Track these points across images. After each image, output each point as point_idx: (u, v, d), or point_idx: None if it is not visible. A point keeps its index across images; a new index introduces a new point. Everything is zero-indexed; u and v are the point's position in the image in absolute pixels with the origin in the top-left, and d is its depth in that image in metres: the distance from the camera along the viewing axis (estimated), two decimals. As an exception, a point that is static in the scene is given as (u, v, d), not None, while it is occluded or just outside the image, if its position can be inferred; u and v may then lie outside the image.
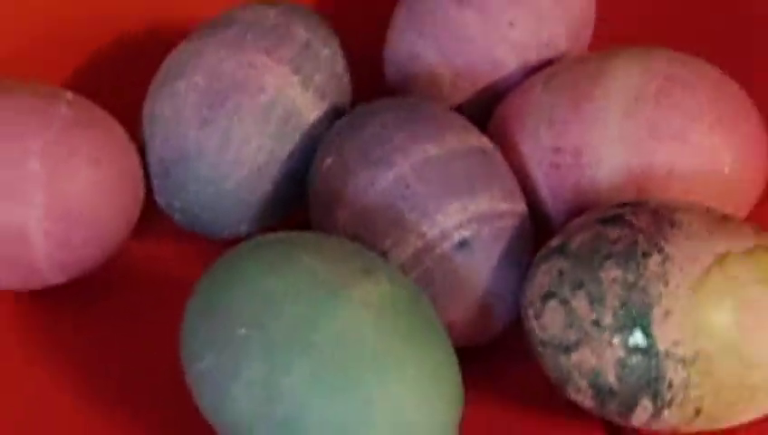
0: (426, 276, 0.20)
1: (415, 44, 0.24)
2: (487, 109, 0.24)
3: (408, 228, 0.20)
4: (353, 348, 0.17)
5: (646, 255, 0.19)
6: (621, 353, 0.18)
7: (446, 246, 0.20)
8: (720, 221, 0.20)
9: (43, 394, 0.21)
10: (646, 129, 0.21)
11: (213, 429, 0.18)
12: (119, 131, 0.22)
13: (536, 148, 0.22)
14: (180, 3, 0.26)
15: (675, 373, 0.18)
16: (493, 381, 0.21)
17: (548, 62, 0.24)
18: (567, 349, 0.19)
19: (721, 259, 0.19)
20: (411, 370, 0.17)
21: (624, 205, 0.20)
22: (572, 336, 0.19)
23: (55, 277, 0.22)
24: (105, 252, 0.22)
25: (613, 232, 0.19)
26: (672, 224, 0.19)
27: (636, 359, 0.18)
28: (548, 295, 0.19)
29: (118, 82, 0.26)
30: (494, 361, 0.21)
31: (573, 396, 0.19)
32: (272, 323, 0.18)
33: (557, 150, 0.22)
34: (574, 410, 0.20)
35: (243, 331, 0.18)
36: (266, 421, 0.17)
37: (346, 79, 0.24)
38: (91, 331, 0.23)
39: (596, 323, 0.18)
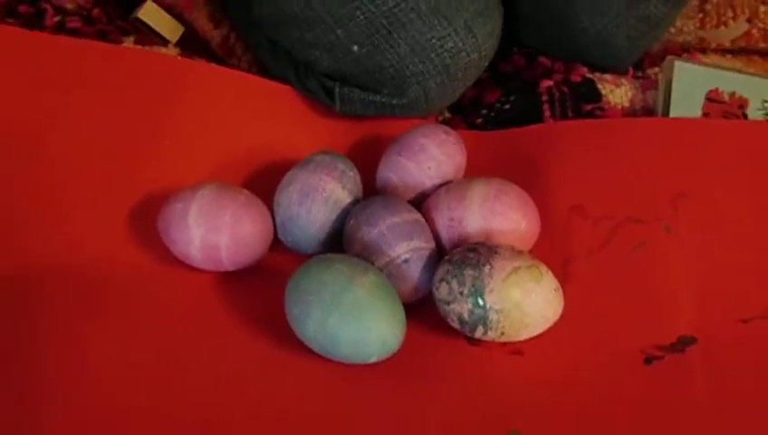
0: (389, 274, 0.45)
1: (389, 172, 0.50)
2: (417, 203, 0.49)
3: (383, 253, 0.45)
4: (358, 305, 0.41)
5: (483, 264, 0.43)
6: (470, 307, 0.43)
7: (399, 261, 0.45)
8: (517, 252, 0.45)
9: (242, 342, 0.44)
10: (489, 210, 0.47)
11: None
12: (263, 206, 0.47)
13: (441, 218, 0.47)
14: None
15: (493, 317, 0.43)
16: (415, 318, 0.44)
17: (444, 183, 0.50)
18: (447, 303, 0.44)
19: (516, 269, 0.44)
20: (384, 312, 0.43)
21: (476, 243, 0.45)
22: (450, 298, 0.44)
23: (233, 267, 0.47)
24: (258, 256, 0.47)
25: (470, 254, 0.44)
26: (496, 252, 0.44)
27: (477, 310, 0.43)
28: (441, 280, 0.43)
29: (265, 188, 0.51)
30: (417, 309, 0.45)
31: (450, 323, 0.44)
32: (322, 293, 0.42)
33: (451, 219, 0.47)
34: (450, 330, 0.44)
35: (310, 297, 0.43)
36: (320, 336, 0.42)
37: (359, 184, 0.50)
38: (249, 290, 0.47)
39: (460, 293, 0.43)
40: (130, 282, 0.46)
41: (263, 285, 0.47)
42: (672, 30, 0.68)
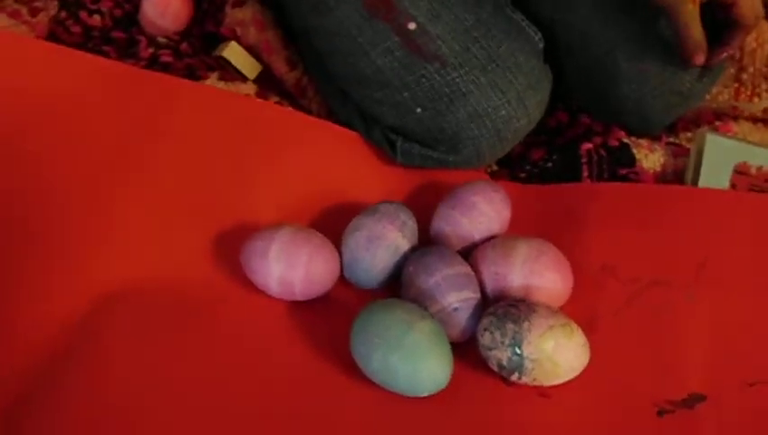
0: (441, 320, 0.51)
1: (444, 224, 0.57)
2: (466, 253, 0.56)
3: (437, 301, 0.51)
4: (416, 347, 0.47)
5: (523, 320, 0.49)
6: (509, 355, 0.49)
7: (450, 309, 0.51)
8: (553, 312, 0.51)
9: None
10: (529, 269, 0.53)
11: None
12: (333, 248, 0.54)
13: (488, 271, 0.53)
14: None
15: (528, 365, 0.49)
16: (460, 357, 0.50)
17: (491, 236, 0.56)
18: (490, 349, 0.50)
19: (551, 327, 0.50)
20: (437, 355, 0.49)
21: (518, 301, 0.51)
22: (492, 345, 0.50)
23: (304, 298, 0.53)
24: (326, 290, 0.53)
25: (512, 309, 0.50)
26: (534, 311, 0.50)
27: (514, 358, 0.49)
28: (485, 329, 0.50)
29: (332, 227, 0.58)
30: (463, 349, 0.51)
31: (490, 366, 0.50)
32: (386, 335, 0.49)
33: (496, 274, 0.54)
34: (489, 371, 0.50)
35: (376, 339, 0.49)
36: (383, 372, 0.49)
37: (416, 232, 0.56)
38: (317, 319, 0.54)
39: (501, 342, 0.49)
40: (215, 304, 0.53)
41: (329, 314, 0.54)
42: (707, 97, 0.73)
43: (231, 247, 0.55)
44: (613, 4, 0.63)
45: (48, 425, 0.45)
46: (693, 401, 0.50)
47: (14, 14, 0.79)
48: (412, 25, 0.59)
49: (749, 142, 0.66)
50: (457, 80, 0.58)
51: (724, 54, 0.61)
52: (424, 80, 0.58)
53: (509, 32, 0.61)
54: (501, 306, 0.50)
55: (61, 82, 0.65)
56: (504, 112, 0.59)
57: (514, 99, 0.59)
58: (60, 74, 0.66)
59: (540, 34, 0.63)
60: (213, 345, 0.51)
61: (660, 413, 0.49)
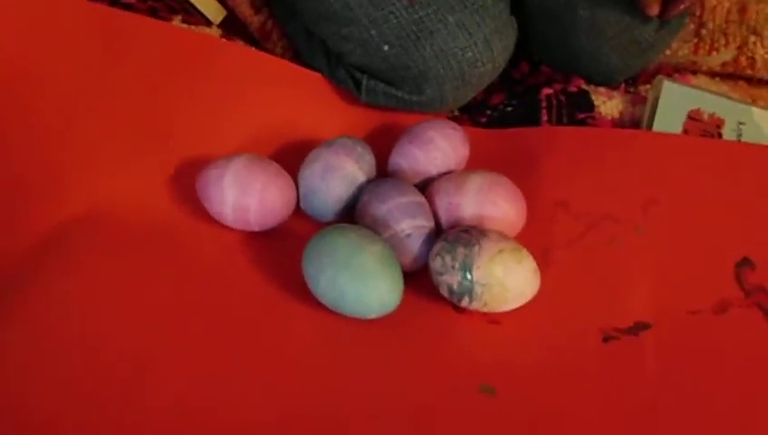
0: (393, 246, 0.52)
1: (400, 159, 0.57)
2: (422, 187, 0.57)
3: (389, 227, 0.52)
4: (364, 268, 0.48)
5: (473, 244, 0.50)
6: (459, 279, 0.50)
7: (402, 235, 0.52)
8: (503, 237, 0.52)
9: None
10: (482, 199, 0.54)
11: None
12: (289, 177, 0.54)
13: (441, 202, 0.54)
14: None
15: (477, 290, 0.50)
16: (412, 285, 0.51)
17: (447, 172, 0.57)
18: (440, 274, 0.51)
19: (501, 250, 0.51)
20: (386, 278, 0.50)
21: (469, 226, 0.52)
22: (443, 270, 0.51)
23: (259, 228, 0.54)
24: (281, 220, 0.54)
25: (463, 234, 0.51)
26: (485, 235, 0.51)
27: (464, 283, 0.50)
28: (437, 254, 0.51)
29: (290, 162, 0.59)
30: (415, 278, 0.52)
31: (441, 292, 0.51)
32: (335, 256, 0.49)
33: (450, 203, 0.54)
34: (440, 298, 0.51)
35: (325, 258, 0.50)
36: (330, 292, 0.50)
37: (373, 166, 0.57)
38: (271, 248, 0.54)
39: (452, 266, 0.50)
40: (168, 231, 0.54)
41: (283, 245, 0.54)
42: (668, 52, 0.74)
43: (189, 178, 0.55)
44: None
45: (12, 337, 0.45)
46: (638, 328, 0.51)
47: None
48: None
49: (704, 90, 0.67)
50: (425, 18, 0.58)
51: (681, 7, 0.62)
52: (392, 17, 0.58)
53: None
54: (453, 232, 0.51)
55: (32, 21, 0.65)
56: (470, 54, 0.59)
57: (481, 41, 0.59)
58: (32, 12, 0.65)
59: None
60: (168, 271, 0.51)
61: (606, 339, 0.50)
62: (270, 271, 0.52)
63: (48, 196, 0.54)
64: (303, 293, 0.50)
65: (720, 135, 0.63)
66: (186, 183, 0.56)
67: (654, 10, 0.61)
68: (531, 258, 0.50)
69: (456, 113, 0.68)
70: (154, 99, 0.61)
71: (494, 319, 0.51)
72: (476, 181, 0.54)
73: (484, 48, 0.59)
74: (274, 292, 0.51)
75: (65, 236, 0.52)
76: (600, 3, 0.64)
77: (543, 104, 0.66)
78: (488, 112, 0.67)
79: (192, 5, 0.71)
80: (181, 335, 0.47)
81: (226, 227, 0.54)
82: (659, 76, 0.67)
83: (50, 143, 0.57)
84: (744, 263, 0.54)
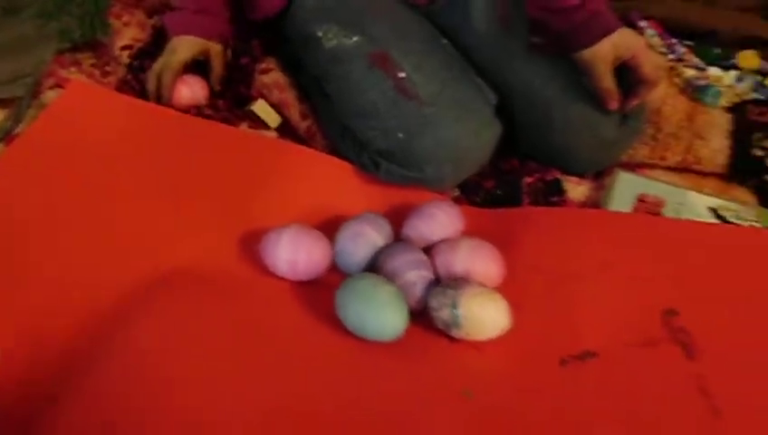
0: (403, 291, 0.69)
1: (409, 230, 0.76)
2: (426, 250, 0.75)
3: (400, 277, 0.69)
4: (382, 301, 0.65)
5: (460, 288, 0.67)
6: (449, 314, 0.68)
7: (409, 283, 0.70)
8: (482, 285, 0.70)
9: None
10: (469, 258, 0.72)
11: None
12: (327, 241, 0.74)
13: (439, 259, 0.72)
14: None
15: (462, 322, 0.67)
16: (416, 321, 0.69)
17: (445, 239, 0.76)
18: (436, 311, 0.68)
19: (479, 293, 0.68)
20: (396, 311, 0.67)
21: (459, 277, 0.70)
22: (438, 307, 0.67)
23: (305, 278, 0.73)
24: (322, 272, 0.72)
25: (453, 282, 0.68)
26: (468, 283, 0.68)
27: (452, 316, 0.67)
28: (434, 296, 0.67)
29: (329, 230, 0.79)
30: (419, 317, 0.70)
31: (437, 325, 0.68)
32: (360, 294, 0.67)
33: (444, 260, 0.72)
34: (437, 331, 0.69)
35: (353, 297, 0.68)
36: (356, 321, 0.68)
37: (391, 233, 0.75)
38: (316, 293, 0.73)
39: (444, 304, 0.67)
40: (237, 281, 0.73)
41: (322, 289, 0.73)
42: (631, 152, 0.93)
43: (249, 244, 0.75)
44: (548, 72, 0.84)
45: (87, 402, 0.57)
46: (586, 356, 0.68)
47: (90, 75, 1.02)
48: (402, 74, 0.80)
49: (651, 178, 0.86)
50: (429, 115, 0.78)
51: (635, 102, 0.81)
52: (405, 113, 0.79)
53: (470, 86, 0.82)
54: (446, 280, 0.69)
55: (129, 124, 0.87)
56: (462, 143, 0.79)
57: (472, 133, 0.79)
58: (128, 118, 0.88)
59: (493, 94, 0.85)
60: (235, 309, 0.70)
61: (562, 363, 0.67)
62: (312, 309, 0.71)
63: (126, 265, 0.71)
64: (336, 323, 0.68)
65: (660, 213, 0.81)
66: (245, 248, 0.75)
67: (613, 105, 0.80)
68: (503, 300, 0.68)
69: (457, 193, 0.87)
70: (229, 185, 0.81)
71: (476, 346, 0.68)
72: (466, 245, 0.72)
73: (474, 138, 0.79)
74: (314, 323, 0.69)
75: (156, 290, 0.71)
76: (570, 106, 0.83)
77: (525, 190, 0.85)
78: (482, 194, 0.87)
79: (255, 114, 0.93)
80: (244, 361, 0.65)
81: (280, 278, 0.73)
82: (616, 168, 0.86)
83: (130, 221, 0.76)
84: (670, 312, 0.70)
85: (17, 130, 0.95)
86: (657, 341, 0.68)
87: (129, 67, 1.06)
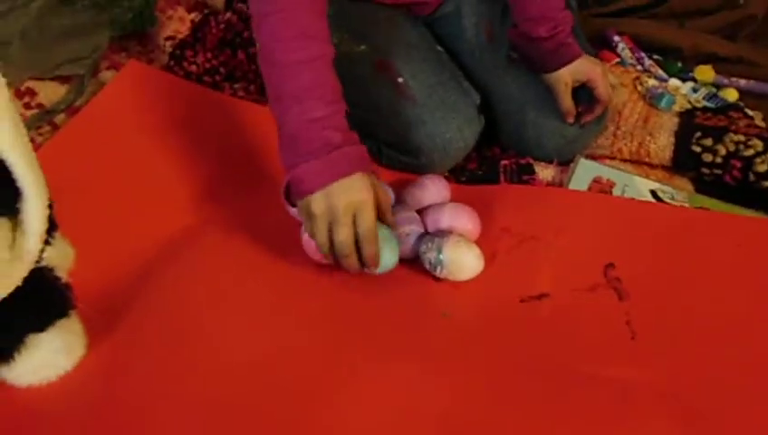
0: (399, 240, 0.87)
1: (406, 196, 0.95)
2: (419, 211, 0.94)
3: (397, 229, 0.89)
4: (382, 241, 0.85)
5: (444, 237, 0.85)
6: (435, 256, 0.85)
7: (404, 234, 0.88)
8: (462, 236, 0.88)
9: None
10: (452, 217, 0.90)
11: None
12: None
13: (428, 218, 0.90)
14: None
15: (445, 262, 0.86)
16: (407, 264, 0.88)
17: (434, 204, 0.94)
18: (424, 253, 0.86)
19: (458, 241, 0.87)
20: (393, 247, 0.85)
21: (443, 230, 0.89)
22: (426, 251, 0.87)
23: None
24: None
25: (439, 232, 0.87)
26: (451, 233, 0.86)
27: (437, 258, 0.86)
28: (423, 242, 0.86)
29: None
30: (410, 261, 0.89)
31: (424, 265, 0.86)
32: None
33: (433, 219, 0.91)
34: (425, 271, 0.87)
35: None
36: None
37: (392, 198, 0.94)
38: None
39: (430, 248, 0.85)
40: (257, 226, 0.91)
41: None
42: (594, 145, 1.12)
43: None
44: (524, 80, 1.03)
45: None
46: (541, 296, 0.86)
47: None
48: (401, 80, 0.99)
49: (606, 165, 1.04)
50: (421, 114, 0.97)
51: (588, 119, 1.00)
52: (404, 111, 0.98)
53: (457, 90, 1.01)
54: (433, 232, 0.87)
55: (178, 102, 1.05)
56: (448, 136, 0.97)
57: (457, 128, 0.98)
58: (178, 97, 1.06)
59: (478, 95, 1.03)
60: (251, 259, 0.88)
61: (522, 301, 0.85)
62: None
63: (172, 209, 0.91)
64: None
65: (611, 192, 1.00)
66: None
67: (570, 119, 1.00)
68: (478, 249, 0.86)
69: (446, 174, 1.06)
70: (259, 160, 0.99)
71: (455, 285, 0.86)
72: (451, 206, 0.91)
73: (458, 132, 0.98)
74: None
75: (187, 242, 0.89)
76: (540, 109, 1.02)
77: (502, 170, 1.04)
78: (466, 174, 1.05)
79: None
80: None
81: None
82: (578, 156, 1.05)
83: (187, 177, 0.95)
84: (609, 265, 0.89)
85: (78, 102, 1.14)
86: (597, 286, 0.86)
87: (171, 55, 1.24)
